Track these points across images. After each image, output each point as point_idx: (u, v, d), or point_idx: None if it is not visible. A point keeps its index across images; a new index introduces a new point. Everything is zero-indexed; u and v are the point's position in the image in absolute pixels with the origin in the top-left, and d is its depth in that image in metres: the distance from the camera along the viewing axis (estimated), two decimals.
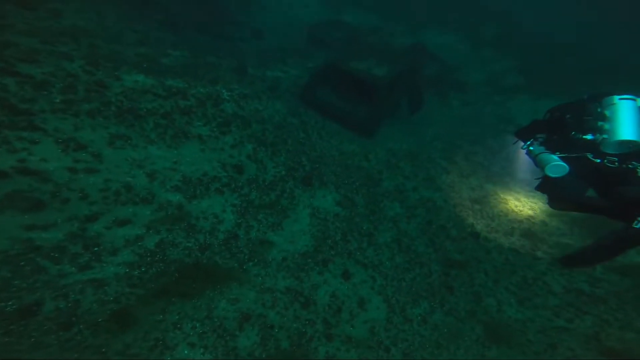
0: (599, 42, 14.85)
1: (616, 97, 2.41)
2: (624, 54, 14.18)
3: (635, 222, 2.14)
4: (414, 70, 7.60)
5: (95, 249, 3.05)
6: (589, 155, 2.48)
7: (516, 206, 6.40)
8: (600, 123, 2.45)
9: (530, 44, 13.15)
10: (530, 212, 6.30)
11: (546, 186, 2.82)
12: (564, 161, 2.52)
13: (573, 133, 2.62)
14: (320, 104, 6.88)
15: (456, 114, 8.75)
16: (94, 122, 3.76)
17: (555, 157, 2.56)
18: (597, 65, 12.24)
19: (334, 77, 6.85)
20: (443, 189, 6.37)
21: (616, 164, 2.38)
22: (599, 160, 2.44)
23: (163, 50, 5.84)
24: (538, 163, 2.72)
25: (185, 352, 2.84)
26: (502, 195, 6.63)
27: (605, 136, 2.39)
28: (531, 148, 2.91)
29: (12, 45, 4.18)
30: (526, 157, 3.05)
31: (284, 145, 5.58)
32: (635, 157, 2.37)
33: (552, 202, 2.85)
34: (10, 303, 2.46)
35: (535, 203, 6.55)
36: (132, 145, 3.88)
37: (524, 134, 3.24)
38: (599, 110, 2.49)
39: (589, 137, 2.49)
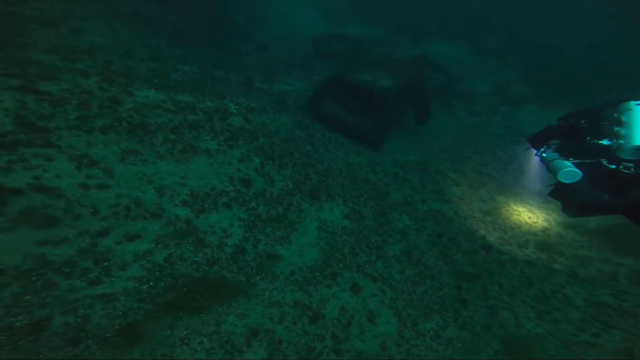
0: (607, 51, 14.78)
1: (633, 103, 2.41)
2: (632, 63, 14.05)
3: None
4: (420, 81, 7.63)
5: (105, 263, 3.07)
6: (604, 161, 2.47)
7: (530, 218, 6.25)
8: (616, 128, 2.44)
9: (535, 54, 13.16)
10: (544, 224, 6.14)
11: (559, 192, 2.81)
12: (578, 167, 2.52)
13: (588, 138, 2.62)
14: (326, 116, 6.94)
15: (463, 125, 8.71)
16: (107, 138, 3.85)
17: (568, 163, 2.55)
18: (605, 74, 12.14)
19: (340, 89, 6.92)
20: (453, 201, 6.28)
21: (632, 169, 2.37)
22: (614, 166, 2.43)
23: (173, 66, 6.03)
24: (551, 169, 2.71)
25: None
26: (514, 207, 6.50)
27: (622, 141, 2.38)
28: (545, 155, 2.90)
29: (33, 63, 4.37)
30: (539, 166, 3.00)
31: (290, 158, 5.61)
32: None
33: (565, 208, 2.83)
34: (20, 318, 2.47)
35: (550, 215, 6.39)
36: (142, 161, 3.95)
37: (537, 140, 3.24)
38: (615, 115, 2.48)
39: (605, 142, 2.49)
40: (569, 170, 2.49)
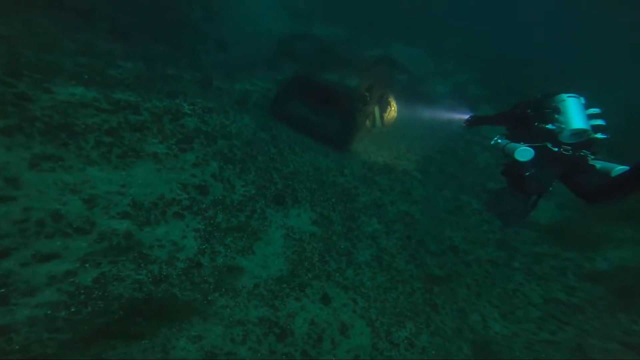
0: (545, 53, 16.32)
1: (564, 95, 2.90)
2: (567, 63, 15.62)
3: None
4: (385, 82, 7.62)
5: (2, 290, 2.43)
6: (548, 145, 2.88)
7: (489, 216, 6.44)
8: (556, 116, 2.89)
9: (488, 56, 14.04)
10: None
11: (511, 170, 3.22)
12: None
13: (536, 124, 3.03)
14: (291, 117, 6.60)
15: (426, 126, 8.87)
16: (11, 141, 3.12)
17: (521, 144, 2.95)
18: (545, 74, 13.29)
19: (305, 89, 6.64)
20: (419, 201, 6.26)
21: (570, 151, 2.82)
22: (556, 149, 2.85)
23: (111, 61, 5.24)
24: (506, 151, 3.14)
25: None
26: (475, 206, 6.66)
27: (563, 126, 2.81)
28: (499, 141, 3.33)
29: None
30: None
31: (253, 162, 5.18)
32: (586, 146, 2.82)
33: (513, 183, 3.26)
34: None
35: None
36: (65, 167, 3.28)
37: (474, 122, 4.02)
38: (553, 105, 2.95)
39: (549, 127, 2.90)
40: (523, 149, 2.87)
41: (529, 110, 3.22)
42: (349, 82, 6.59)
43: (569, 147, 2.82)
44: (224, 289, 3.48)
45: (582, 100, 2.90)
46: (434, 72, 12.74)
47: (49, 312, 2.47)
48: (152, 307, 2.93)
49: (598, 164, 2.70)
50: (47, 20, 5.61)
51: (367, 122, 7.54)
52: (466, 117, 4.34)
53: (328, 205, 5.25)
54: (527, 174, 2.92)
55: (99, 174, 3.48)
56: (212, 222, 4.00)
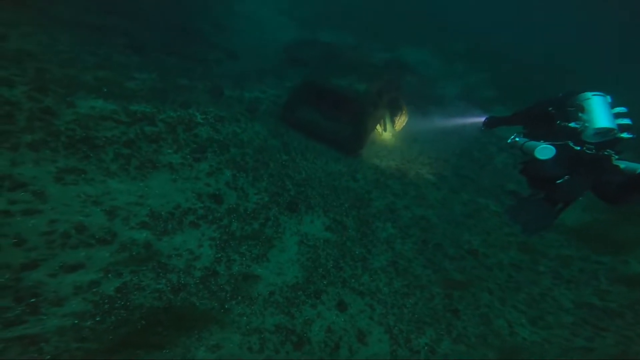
0: (561, 56, 15.88)
1: (589, 93, 2.85)
2: (581, 64, 15.18)
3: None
4: (395, 85, 7.57)
5: (32, 300, 2.51)
6: (570, 143, 2.82)
7: (510, 219, 6.24)
8: (580, 114, 2.83)
9: (499, 57, 13.81)
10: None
11: (530, 169, 3.17)
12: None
13: (559, 122, 2.98)
14: (302, 123, 6.63)
15: (439, 128, 8.75)
16: (38, 156, 3.26)
17: (542, 142, 2.89)
18: (559, 75, 12.93)
19: (314, 95, 6.67)
20: (435, 205, 6.13)
21: (593, 151, 2.75)
22: (578, 148, 2.78)
23: (127, 74, 5.43)
24: (525, 149, 3.08)
25: None
26: (493, 208, 6.48)
27: (587, 124, 2.74)
28: (517, 139, 3.29)
29: None
30: None
31: (265, 169, 5.22)
32: (609, 146, 2.75)
33: (534, 182, 3.23)
34: None
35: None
36: (87, 180, 3.39)
37: (492, 123, 3.91)
38: (577, 103, 2.90)
39: (573, 125, 2.84)
40: (544, 147, 2.80)
41: (550, 109, 3.17)
42: (359, 86, 6.59)
43: (592, 147, 2.76)
44: (240, 297, 3.49)
45: (609, 98, 2.83)
46: (443, 74, 12.60)
47: (76, 321, 2.53)
48: (172, 317, 2.96)
49: (622, 164, 2.63)
50: (69, 35, 5.87)
51: (378, 127, 7.49)
52: (482, 119, 4.25)
53: (341, 211, 5.22)
54: (558, 181, 2.85)
55: (119, 186, 3.58)
56: (227, 230, 4.04)
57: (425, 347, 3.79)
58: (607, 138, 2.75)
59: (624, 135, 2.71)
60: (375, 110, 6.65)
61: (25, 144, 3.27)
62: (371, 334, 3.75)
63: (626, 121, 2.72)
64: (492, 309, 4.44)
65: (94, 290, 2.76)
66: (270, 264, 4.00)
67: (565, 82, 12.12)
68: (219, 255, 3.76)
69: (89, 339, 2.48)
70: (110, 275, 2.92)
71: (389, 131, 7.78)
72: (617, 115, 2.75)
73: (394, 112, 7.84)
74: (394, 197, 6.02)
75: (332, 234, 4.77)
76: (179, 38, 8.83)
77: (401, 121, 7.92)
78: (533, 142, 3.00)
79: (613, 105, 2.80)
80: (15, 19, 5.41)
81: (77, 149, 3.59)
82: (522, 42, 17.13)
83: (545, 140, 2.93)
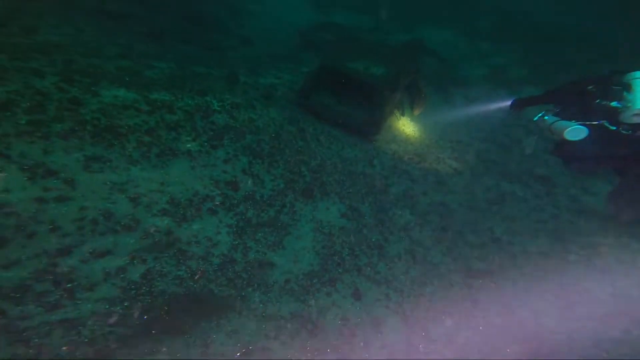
0: (602, 31, 14.45)
1: (639, 72, 2.74)
2: (623, 38, 13.75)
3: None
4: (413, 68, 7.23)
5: (68, 285, 2.68)
6: (606, 123, 2.81)
7: (538, 205, 5.92)
8: (625, 93, 2.74)
9: (531, 34, 12.78)
10: (554, 210, 5.81)
11: (562, 151, 3.17)
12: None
13: (598, 101, 2.91)
14: (317, 108, 6.52)
15: (461, 111, 8.33)
16: (67, 144, 3.40)
17: (573, 122, 2.86)
18: (597, 52, 11.83)
19: (330, 79, 6.50)
20: (456, 191, 5.92)
21: (630, 131, 2.73)
22: (614, 128, 2.79)
23: (147, 63, 5.51)
24: (553, 130, 3.03)
25: None
26: (520, 194, 6.16)
27: (629, 104, 2.68)
28: (545, 117, 3.23)
29: None
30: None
31: (281, 155, 5.20)
32: None
33: (569, 165, 3.31)
34: None
35: (558, 200, 6.06)
36: (112, 168, 3.51)
37: (520, 104, 3.81)
38: (624, 81, 2.79)
39: (614, 104, 2.79)
40: (575, 128, 2.81)
41: (589, 87, 3.04)
42: (375, 70, 6.33)
43: (629, 128, 2.74)
44: (256, 284, 3.56)
45: None
46: (468, 54, 11.86)
47: (107, 306, 2.69)
48: (192, 303, 3.08)
49: None
50: (93, 26, 6.03)
51: (396, 111, 7.23)
52: (509, 102, 4.03)
53: (357, 198, 5.15)
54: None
55: (141, 173, 3.70)
56: (243, 217, 4.10)
57: (444, 337, 3.75)
58: None
59: None
60: (392, 94, 6.40)
61: (55, 133, 3.43)
62: (386, 322, 3.75)
63: None
64: (516, 299, 4.29)
65: (122, 276, 2.91)
66: (286, 251, 4.05)
67: (603, 60, 11.08)
68: (236, 242, 3.84)
69: (120, 323, 2.63)
70: (135, 261, 3.06)
71: (407, 115, 7.50)
72: None
73: (412, 96, 7.52)
74: (412, 182, 5.86)
75: (348, 220, 4.73)
76: (195, 24, 8.82)
77: (420, 105, 7.59)
78: (564, 122, 2.94)
79: None
80: (43, 10, 5.60)
81: (103, 137, 3.73)
82: (556, 17, 15.72)
83: (578, 120, 2.87)
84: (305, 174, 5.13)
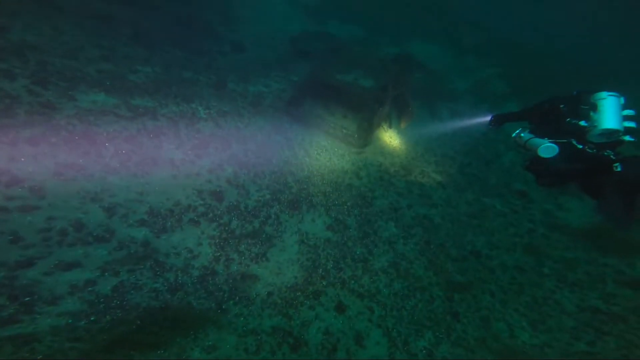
0: (576, 47, 15.27)
1: (605, 93, 2.88)
2: (604, 59, 14.58)
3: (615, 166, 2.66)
4: (402, 81, 7.37)
5: (27, 298, 2.52)
6: (574, 141, 2.91)
7: (515, 219, 6.10)
8: (592, 113, 2.87)
9: (512, 51, 13.33)
10: (529, 225, 6.00)
11: (535, 166, 3.25)
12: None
13: (568, 120, 3.03)
14: (306, 118, 6.52)
15: (446, 125, 8.53)
16: (36, 151, 3.23)
17: (545, 140, 2.98)
18: (577, 71, 12.46)
19: (319, 90, 6.53)
20: (439, 204, 6.02)
21: (594, 150, 2.84)
22: (581, 146, 2.88)
23: (131, 67, 5.36)
24: (529, 147, 3.15)
25: None
26: (499, 208, 6.33)
27: (595, 124, 2.81)
28: (522, 135, 3.32)
29: None
30: None
31: (268, 165, 5.15)
32: (610, 147, 2.83)
33: (541, 179, 3.34)
34: None
35: (533, 215, 6.26)
36: (86, 176, 3.37)
37: (501, 119, 3.92)
38: (592, 101, 2.92)
39: (582, 123, 2.90)
40: (547, 146, 2.91)
41: (561, 106, 3.18)
42: (364, 82, 6.42)
43: (593, 146, 2.84)
44: (237, 297, 3.48)
45: (622, 100, 2.84)
46: (453, 69, 12.24)
47: (70, 321, 2.54)
48: (168, 316, 2.97)
49: (619, 167, 2.69)
50: (74, 26, 5.80)
51: (383, 123, 7.33)
52: (488, 118, 4.17)
53: (343, 210, 5.15)
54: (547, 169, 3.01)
55: (119, 182, 3.56)
56: (226, 228, 4.01)
57: (424, 351, 3.76)
58: (610, 139, 2.80)
59: (627, 138, 2.78)
60: (380, 106, 6.49)
61: (23, 139, 3.25)
62: (369, 336, 3.74)
63: (632, 124, 2.77)
64: (493, 312, 4.37)
65: (90, 289, 2.77)
66: (270, 263, 3.98)
67: (581, 77, 11.68)
68: (218, 254, 3.75)
69: (83, 338, 2.49)
70: (107, 274, 2.93)
71: (394, 128, 7.62)
72: (626, 118, 2.78)
73: (399, 109, 7.65)
74: (397, 195, 5.92)
75: (334, 233, 4.71)
76: (184, 29, 8.69)
77: (407, 118, 7.73)
78: (537, 140, 3.07)
79: (625, 106, 2.83)
80: (18, 9, 5.36)
81: (77, 143, 3.57)
82: (537, 35, 16.51)
83: (550, 137, 2.99)
84: (291, 185, 5.09)
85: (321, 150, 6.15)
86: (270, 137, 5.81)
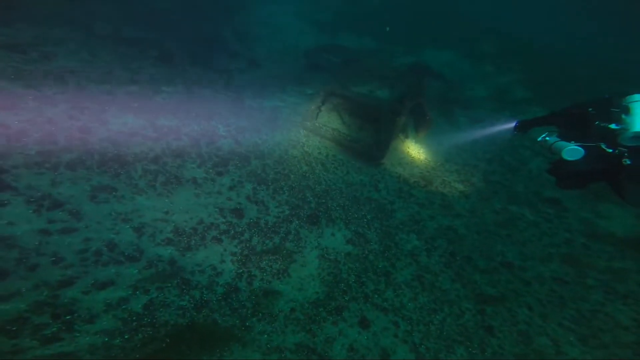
0: (604, 51, 14.62)
1: (638, 95, 2.79)
2: (627, 60, 13.88)
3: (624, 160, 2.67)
4: (418, 90, 7.32)
5: (68, 317, 2.64)
6: (602, 145, 2.85)
7: (549, 228, 5.77)
8: (624, 116, 2.79)
9: (532, 56, 12.95)
10: (566, 234, 5.65)
11: (557, 169, 3.19)
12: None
13: (597, 123, 2.95)
14: (322, 132, 6.58)
15: (466, 132, 8.34)
16: (75, 175, 3.46)
17: (571, 143, 2.94)
18: (601, 73, 11.92)
19: (335, 103, 6.60)
20: (463, 215, 5.82)
21: (625, 154, 2.74)
22: (610, 150, 2.81)
23: (156, 87, 5.70)
24: (554, 150, 3.12)
25: None
26: (530, 217, 6.03)
27: (627, 127, 2.73)
28: (547, 138, 3.30)
29: None
30: None
31: (286, 181, 5.21)
32: None
33: (560, 182, 3.28)
34: None
35: (570, 223, 5.90)
36: (117, 197, 3.55)
37: (527, 125, 3.87)
38: (624, 104, 2.84)
39: (613, 126, 2.82)
40: (572, 148, 2.88)
41: (590, 109, 3.11)
42: (380, 93, 6.42)
43: (625, 150, 2.76)
44: (260, 314, 3.48)
45: None
46: (471, 76, 12.01)
47: (106, 339, 2.63)
48: (195, 334, 3.00)
49: None
50: (108, 51, 6.30)
51: (401, 134, 7.27)
52: (512, 124, 4.07)
53: (363, 223, 5.09)
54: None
55: (146, 202, 3.72)
56: (247, 245, 4.06)
57: None
58: None
59: None
60: (397, 117, 6.45)
61: (64, 163, 3.49)
62: (395, 352, 3.60)
63: None
64: (532, 326, 4.09)
65: (123, 307, 2.87)
66: (291, 279, 3.97)
67: (607, 81, 11.13)
68: (241, 270, 3.79)
69: (118, 357, 2.57)
70: (138, 292, 3.03)
71: (412, 138, 7.53)
72: None
73: (417, 119, 7.57)
74: (418, 207, 5.79)
75: (354, 247, 4.65)
76: (203, 48, 9.15)
77: (425, 128, 7.63)
78: (563, 142, 3.03)
79: None
80: (64, 37, 5.87)
81: (109, 166, 3.79)
82: (558, 40, 15.98)
83: (577, 141, 2.93)
84: (310, 200, 5.11)
85: (338, 164, 6.15)
86: (288, 152, 5.90)
